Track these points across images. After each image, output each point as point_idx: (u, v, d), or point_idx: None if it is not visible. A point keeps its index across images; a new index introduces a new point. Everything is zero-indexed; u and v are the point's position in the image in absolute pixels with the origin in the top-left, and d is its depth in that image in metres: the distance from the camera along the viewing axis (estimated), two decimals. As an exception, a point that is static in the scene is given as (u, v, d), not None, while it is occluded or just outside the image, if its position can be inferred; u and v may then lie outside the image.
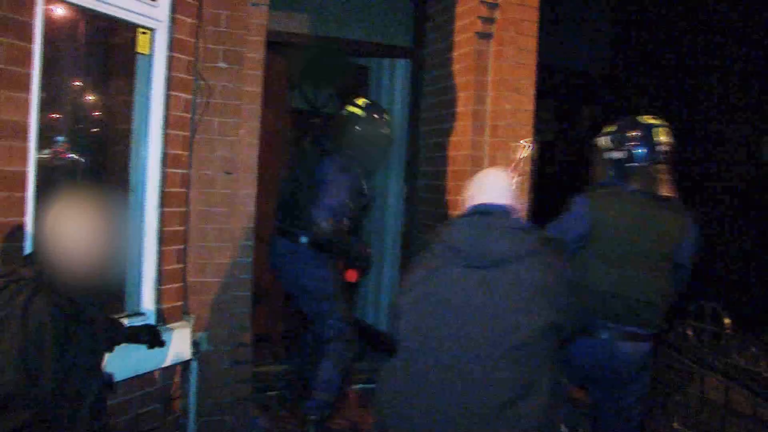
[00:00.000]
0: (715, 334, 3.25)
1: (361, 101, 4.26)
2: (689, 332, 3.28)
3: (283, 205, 4.29)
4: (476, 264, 2.33)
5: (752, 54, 8.58)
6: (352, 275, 4.28)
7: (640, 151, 3.09)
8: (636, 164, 3.10)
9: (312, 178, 4.07)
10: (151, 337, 3.17)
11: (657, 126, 3.14)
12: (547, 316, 2.25)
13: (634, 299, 2.95)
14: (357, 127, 4.15)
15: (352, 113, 4.20)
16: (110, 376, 2.64)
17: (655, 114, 3.19)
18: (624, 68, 9.71)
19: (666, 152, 3.12)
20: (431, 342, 2.31)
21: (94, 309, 2.52)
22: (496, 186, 2.57)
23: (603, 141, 3.28)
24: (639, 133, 3.12)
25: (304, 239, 4.07)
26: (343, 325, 4.14)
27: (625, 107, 9.66)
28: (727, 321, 3.18)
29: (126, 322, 3.47)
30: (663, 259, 3.02)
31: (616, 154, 3.15)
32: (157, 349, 3.24)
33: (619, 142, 3.15)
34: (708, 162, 9.24)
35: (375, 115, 4.21)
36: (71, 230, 2.51)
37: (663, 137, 3.12)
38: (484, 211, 2.49)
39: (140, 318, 3.55)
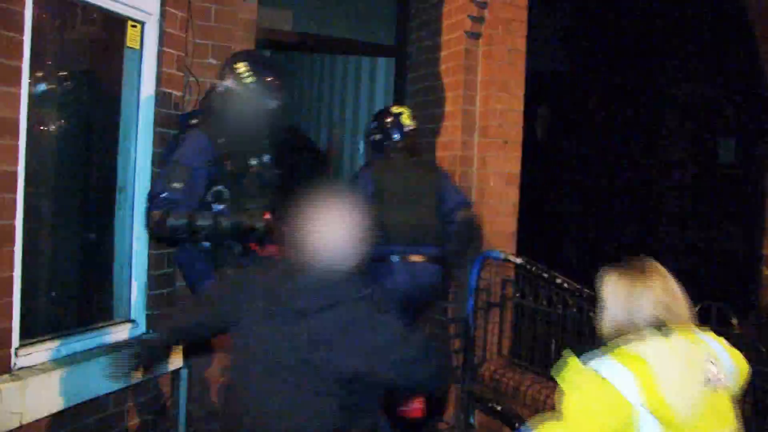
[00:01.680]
0: (722, 335, 3.23)
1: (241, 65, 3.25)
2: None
3: None
4: None
5: (709, 53, 8.73)
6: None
7: (394, 132, 4.10)
8: (390, 142, 4.08)
9: None
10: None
11: (402, 113, 4.16)
12: None
13: (410, 225, 3.89)
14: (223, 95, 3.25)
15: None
16: None
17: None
18: (577, 66, 9.78)
19: (411, 130, 4.13)
20: None
21: None
22: None
23: (366, 130, 4.42)
24: (391, 120, 4.12)
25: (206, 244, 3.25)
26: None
27: (579, 105, 9.79)
28: (734, 321, 3.17)
29: (114, 329, 3.33)
30: (425, 198, 4.01)
31: (378, 137, 4.13)
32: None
33: (378, 128, 4.14)
34: (660, 162, 9.39)
35: (250, 77, 3.22)
36: None
37: (407, 120, 4.12)
38: None
39: (131, 325, 3.39)
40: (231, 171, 3.22)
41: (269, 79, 3.23)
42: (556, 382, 2.01)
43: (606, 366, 1.89)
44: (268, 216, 3.16)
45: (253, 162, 3.33)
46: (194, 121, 3.30)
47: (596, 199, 9.78)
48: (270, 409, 2.11)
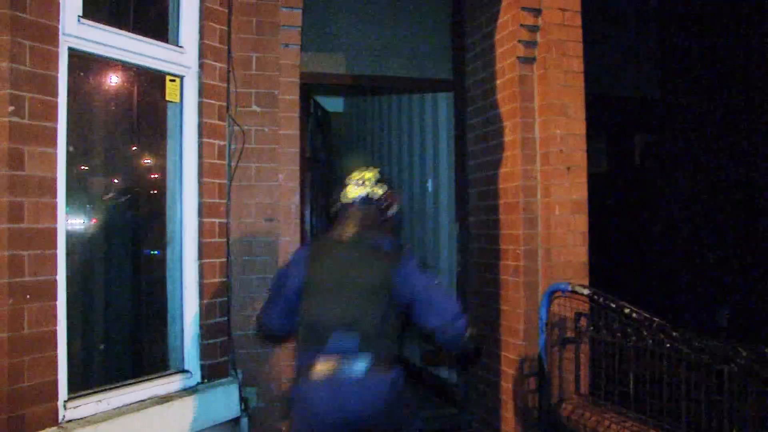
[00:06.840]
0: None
1: None
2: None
3: None
4: None
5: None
6: None
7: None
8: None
9: None
10: None
11: (349, 183, 3.05)
12: None
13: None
14: None
15: None
16: None
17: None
18: (674, 92, 9.34)
19: (354, 202, 3.01)
20: None
21: None
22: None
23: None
24: (339, 190, 3.11)
25: None
26: None
27: (678, 132, 9.32)
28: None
29: (167, 380, 3.33)
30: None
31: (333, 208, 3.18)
32: (203, 408, 3.07)
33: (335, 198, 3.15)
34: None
35: None
36: None
37: (349, 193, 3.01)
38: None
39: (183, 375, 3.39)
40: None
41: None
42: (635, 420, 1.78)
43: None
44: None
45: None
46: None
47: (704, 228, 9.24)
48: None
